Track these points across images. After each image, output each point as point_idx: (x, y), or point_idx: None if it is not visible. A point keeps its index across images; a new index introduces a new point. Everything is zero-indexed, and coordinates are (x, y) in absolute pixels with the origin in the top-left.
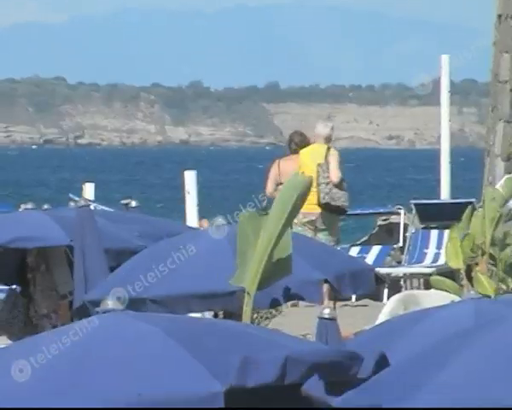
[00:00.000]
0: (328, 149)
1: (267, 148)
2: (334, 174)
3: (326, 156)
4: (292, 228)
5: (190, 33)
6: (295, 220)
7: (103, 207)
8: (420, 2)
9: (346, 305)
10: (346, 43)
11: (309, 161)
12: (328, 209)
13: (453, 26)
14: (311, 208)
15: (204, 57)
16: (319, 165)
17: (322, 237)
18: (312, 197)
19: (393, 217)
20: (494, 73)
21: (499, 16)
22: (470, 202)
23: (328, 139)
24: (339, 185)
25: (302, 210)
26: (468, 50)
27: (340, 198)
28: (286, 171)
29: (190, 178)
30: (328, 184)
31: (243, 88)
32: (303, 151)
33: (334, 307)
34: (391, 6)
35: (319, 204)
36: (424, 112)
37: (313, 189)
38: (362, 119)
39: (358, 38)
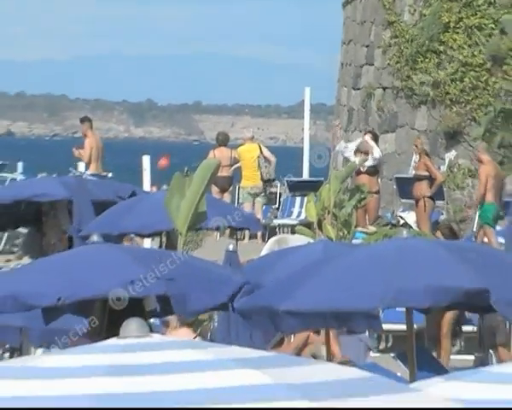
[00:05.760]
0: (259, 145)
1: (194, 143)
2: (271, 157)
3: (261, 150)
4: (241, 193)
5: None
6: (244, 187)
7: (89, 177)
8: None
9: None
10: (244, 76)
11: (248, 154)
12: (267, 182)
13: (312, 67)
14: (256, 182)
15: (157, 80)
16: (259, 157)
17: (260, 200)
18: (255, 176)
19: (273, 189)
20: (337, 99)
21: (342, 64)
22: (321, 180)
23: (253, 138)
24: (272, 163)
25: (250, 184)
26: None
27: (272, 174)
28: (219, 156)
29: (146, 159)
30: (266, 167)
31: (179, 104)
32: (241, 149)
33: (236, 244)
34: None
35: (262, 180)
36: (291, 123)
37: (255, 171)
38: (253, 126)
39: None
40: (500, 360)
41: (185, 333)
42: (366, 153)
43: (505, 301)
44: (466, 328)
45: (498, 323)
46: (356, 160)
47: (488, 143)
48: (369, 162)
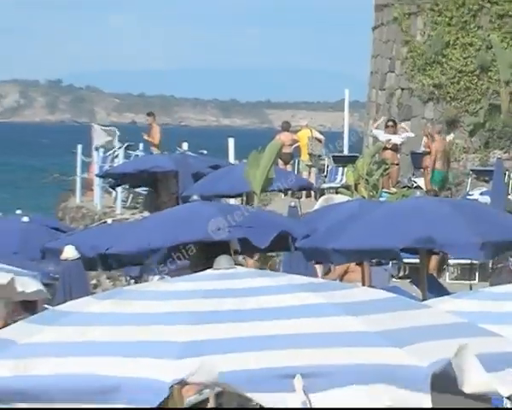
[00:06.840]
0: (311, 130)
1: (265, 129)
2: (321, 137)
3: (312, 133)
4: (300, 165)
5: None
6: (303, 160)
7: (190, 153)
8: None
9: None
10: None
11: (304, 137)
12: (316, 156)
13: (351, 74)
14: (307, 158)
15: (239, 84)
16: (308, 138)
17: (314, 169)
18: (306, 153)
19: (322, 162)
20: (369, 97)
21: (371, 72)
22: (357, 155)
23: (307, 125)
24: (322, 142)
25: (305, 159)
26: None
27: (320, 150)
28: (283, 139)
29: (231, 141)
30: (311, 144)
31: (255, 101)
32: (300, 133)
33: (299, 202)
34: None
35: (308, 153)
36: (335, 115)
37: (306, 149)
38: (308, 117)
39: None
40: None
41: None
42: (395, 132)
43: (492, 243)
44: (461, 261)
45: None
46: (384, 139)
47: (479, 128)
48: (397, 140)
